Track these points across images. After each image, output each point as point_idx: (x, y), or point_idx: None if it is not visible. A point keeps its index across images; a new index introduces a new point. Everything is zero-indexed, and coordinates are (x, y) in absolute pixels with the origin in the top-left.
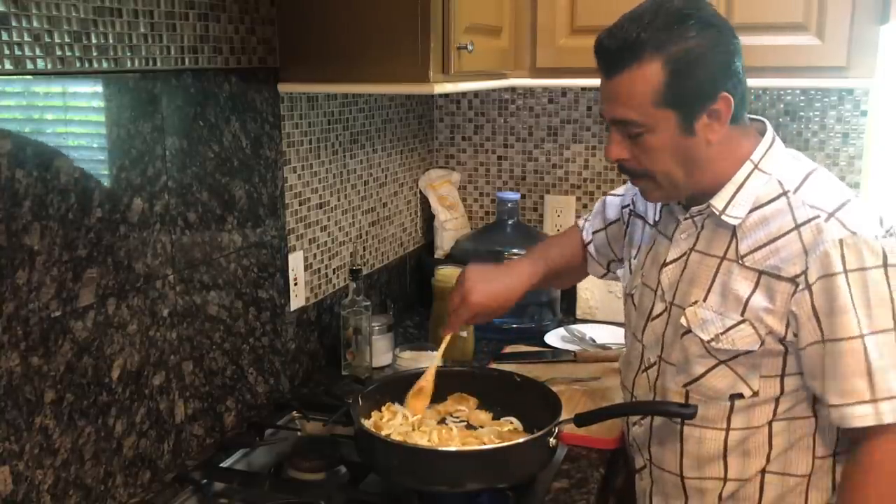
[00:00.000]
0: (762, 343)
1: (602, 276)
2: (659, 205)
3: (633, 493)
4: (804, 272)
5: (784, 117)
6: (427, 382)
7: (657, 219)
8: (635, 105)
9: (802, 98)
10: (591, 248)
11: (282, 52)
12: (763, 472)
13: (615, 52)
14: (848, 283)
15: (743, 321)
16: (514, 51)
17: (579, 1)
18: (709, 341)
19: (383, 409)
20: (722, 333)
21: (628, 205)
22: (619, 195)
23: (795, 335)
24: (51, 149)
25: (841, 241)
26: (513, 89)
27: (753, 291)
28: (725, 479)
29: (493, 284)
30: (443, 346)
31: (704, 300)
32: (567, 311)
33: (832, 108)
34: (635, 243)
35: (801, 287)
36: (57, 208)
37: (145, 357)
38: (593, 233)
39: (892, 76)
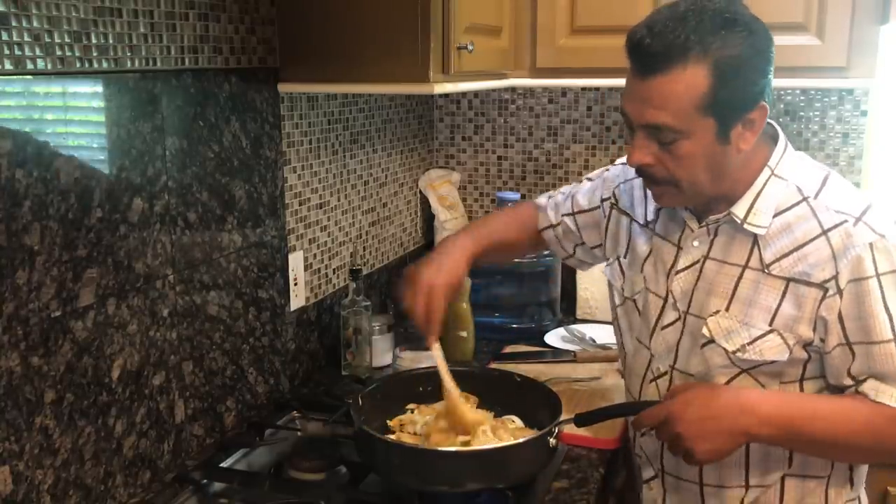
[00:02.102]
0: (791, 353)
1: (565, 259)
2: (654, 204)
3: (635, 496)
4: (834, 277)
5: (784, 117)
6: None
7: (650, 218)
8: (676, 110)
9: (802, 98)
10: (558, 229)
11: (282, 52)
12: (784, 476)
13: (659, 53)
14: (881, 286)
15: (771, 331)
16: (514, 51)
17: (579, 1)
18: (734, 352)
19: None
20: (748, 344)
21: (609, 198)
22: (591, 179)
23: (822, 340)
24: (51, 149)
25: (871, 245)
26: (513, 89)
27: (782, 300)
28: (748, 487)
29: (442, 267)
30: (440, 358)
31: (727, 310)
32: (567, 311)
33: (832, 108)
34: (622, 241)
35: (830, 292)
36: (57, 208)
37: (145, 357)
38: (563, 215)
39: (892, 76)
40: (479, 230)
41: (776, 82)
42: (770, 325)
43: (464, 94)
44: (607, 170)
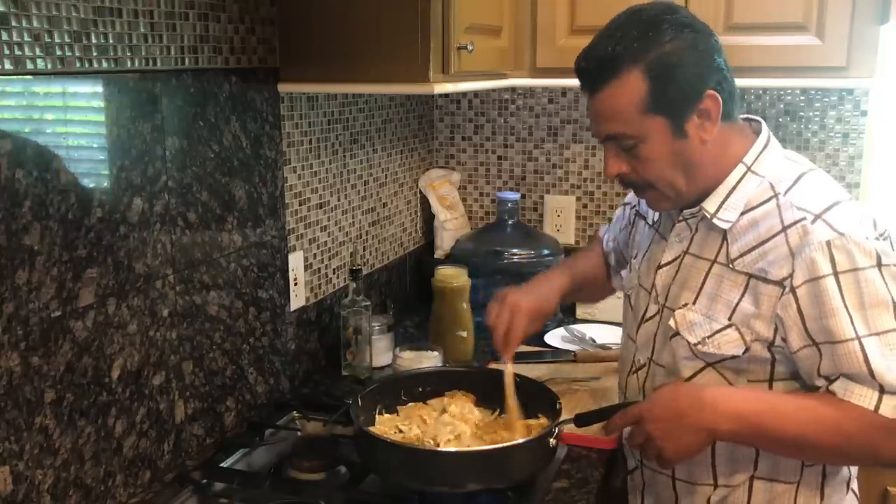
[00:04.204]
0: (747, 349)
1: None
2: None
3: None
4: (790, 275)
5: (784, 117)
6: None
7: (656, 219)
8: (623, 118)
9: (802, 98)
10: (611, 258)
11: (282, 52)
12: (751, 478)
13: (593, 70)
14: (839, 285)
15: (729, 325)
16: (514, 51)
17: (579, 1)
18: (695, 344)
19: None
20: (708, 337)
21: (635, 205)
22: (628, 203)
23: (784, 340)
24: (51, 149)
25: (829, 243)
26: (513, 89)
27: (742, 296)
28: (716, 485)
29: (532, 291)
30: (510, 377)
31: (694, 303)
32: (567, 311)
33: (832, 108)
34: (637, 243)
35: (786, 290)
36: (57, 208)
37: (145, 357)
38: (610, 241)
39: (892, 76)
40: (570, 265)
41: (776, 82)
42: (729, 319)
43: (464, 94)
44: None
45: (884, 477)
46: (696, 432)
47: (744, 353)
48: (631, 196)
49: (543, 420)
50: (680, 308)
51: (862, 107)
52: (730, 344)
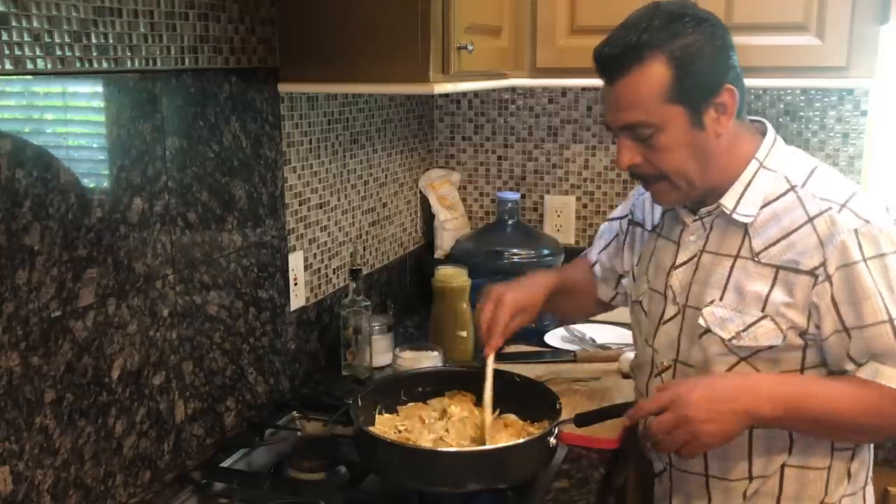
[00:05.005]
0: (784, 338)
1: (611, 300)
2: (660, 209)
3: (637, 494)
4: (823, 264)
5: (784, 117)
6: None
7: (656, 223)
8: (644, 105)
9: (802, 98)
10: (596, 269)
11: (282, 52)
12: (783, 466)
13: (617, 57)
14: (869, 270)
15: (764, 317)
16: (514, 51)
17: (579, 1)
18: (730, 339)
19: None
20: (743, 331)
21: (627, 215)
22: (618, 217)
23: (818, 327)
24: (51, 149)
25: (856, 231)
26: (513, 89)
27: (772, 287)
28: (751, 478)
29: (518, 286)
30: (489, 371)
31: (721, 299)
32: None
33: (832, 108)
34: (636, 250)
35: (820, 279)
36: (57, 208)
37: (145, 357)
38: (598, 253)
39: (892, 76)
40: (559, 269)
41: (776, 82)
42: (762, 311)
43: (464, 94)
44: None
45: (884, 477)
46: (737, 416)
47: (782, 341)
48: (619, 210)
49: (527, 424)
50: (707, 305)
51: (862, 107)
52: (767, 335)
